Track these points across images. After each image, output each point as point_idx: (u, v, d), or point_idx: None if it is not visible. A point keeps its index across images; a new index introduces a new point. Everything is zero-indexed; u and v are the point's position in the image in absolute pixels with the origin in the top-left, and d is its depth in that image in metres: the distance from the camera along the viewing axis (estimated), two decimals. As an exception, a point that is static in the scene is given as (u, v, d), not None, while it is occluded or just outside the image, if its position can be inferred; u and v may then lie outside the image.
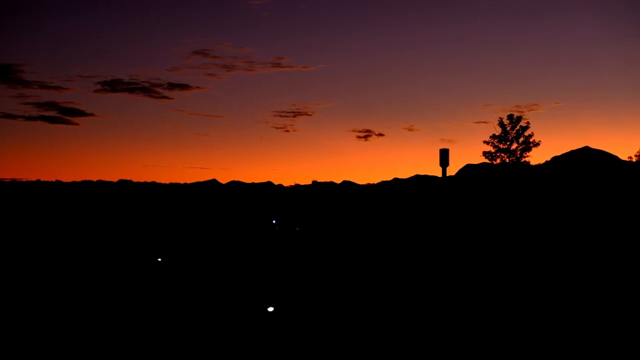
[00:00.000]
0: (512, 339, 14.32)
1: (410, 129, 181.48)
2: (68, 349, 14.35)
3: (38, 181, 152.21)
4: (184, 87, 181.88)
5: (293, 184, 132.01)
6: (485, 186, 63.31)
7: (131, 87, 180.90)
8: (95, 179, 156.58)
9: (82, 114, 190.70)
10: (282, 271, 26.17)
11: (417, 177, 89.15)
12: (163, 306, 18.99)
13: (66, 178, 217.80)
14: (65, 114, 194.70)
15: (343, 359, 13.66)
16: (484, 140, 61.33)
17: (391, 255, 31.11)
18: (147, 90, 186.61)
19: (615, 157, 70.12)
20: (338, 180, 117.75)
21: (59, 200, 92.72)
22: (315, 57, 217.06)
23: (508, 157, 60.58)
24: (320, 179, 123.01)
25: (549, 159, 71.67)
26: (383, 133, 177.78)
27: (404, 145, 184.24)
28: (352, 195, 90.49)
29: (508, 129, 60.19)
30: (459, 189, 66.18)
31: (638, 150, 75.31)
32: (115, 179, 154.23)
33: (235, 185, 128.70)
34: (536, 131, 61.64)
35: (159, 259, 29.84)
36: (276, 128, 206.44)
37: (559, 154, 70.50)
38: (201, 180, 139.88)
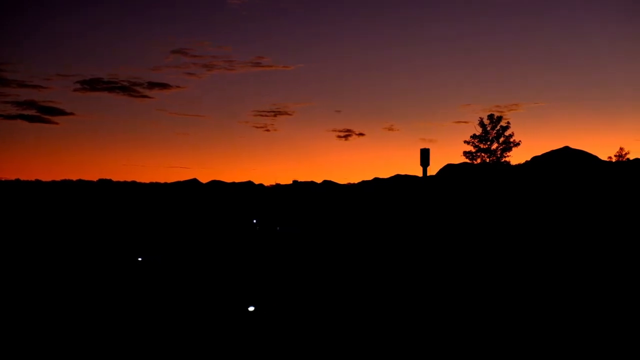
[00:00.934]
0: (494, 336, 14.13)
1: (390, 129, 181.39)
2: (47, 349, 13.98)
3: (17, 180, 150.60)
4: (164, 86, 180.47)
5: (274, 184, 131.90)
6: (466, 186, 63.40)
7: (111, 86, 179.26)
8: (75, 178, 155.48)
9: (61, 113, 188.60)
10: (263, 270, 25.93)
11: (397, 176, 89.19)
12: (143, 306, 18.63)
13: (46, 177, 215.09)
14: (44, 113, 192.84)
15: (325, 358, 13.46)
16: (464, 140, 61.51)
17: (372, 254, 30.92)
18: (127, 89, 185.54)
19: (595, 157, 70.49)
20: (319, 180, 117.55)
21: (38, 199, 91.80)
22: (296, 56, 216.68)
23: (488, 157, 60.72)
24: (300, 179, 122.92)
25: (529, 159, 71.98)
26: (363, 133, 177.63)
27: (384, 145, 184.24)
28: (333, 194, 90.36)
29: (488, 129, 60.34)
30: (440, 188, 66.21)
31: (617, 150, 75.75)
32: (95, 179, 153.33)
33: (215, 184, 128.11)
34: (516, 131, 61.74)
35: (139, 259, 29.44)
36: (256, 127, 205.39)
37: (539, 154, 70.80)
38: (182, 180, 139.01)
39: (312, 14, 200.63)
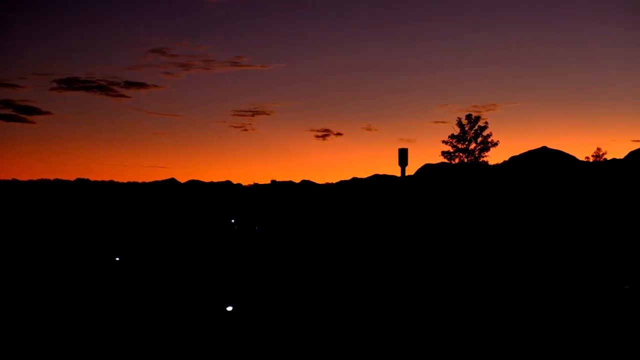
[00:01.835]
0: (477, 331, 13.85)
1: (368, 129, 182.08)
2: (22, 350, 13.73)
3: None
4: (141, 85, 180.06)
5: (252, 183, 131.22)
6: (444, 186, 63.27)
7: (88, 86, 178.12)
8: (52, 178, 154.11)
9: (38, 112, 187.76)
10: (242, 270, 25.86)
11: (376, 176, 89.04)
12: (120, 306, 18.48)
13: (23, 177, 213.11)
14: (21, 112, 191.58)
15: (302, 357, 13.29)
16: (442, 140, 61.11)
17: (350, 253, 30.71)
18: (104, 88, 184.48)
19: (573, 157, 70.68)
20: (297, 180, 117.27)
21: (15, 199, 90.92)
22: (273, 56, 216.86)
23: (466, 157, 60.47)
24: (279, 179, 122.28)
25: (507, 159, 72.04)
26: (341, 132, 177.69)
27: (362, 145, 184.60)
28: (311, 194, 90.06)
29: (466, 128, 60.05)
30: (418, 188, 66.06)
31: (595, 150, 75.96)
32: (72, 178, 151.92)
33: (194, 184, 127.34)
34: (494, 131, 61.47)
35: (117, 258, 29.33)
36: (234, 127, 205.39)
37: (517, 154, 70.87)
38: (160, 180, 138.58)
39: (290, 14, 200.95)
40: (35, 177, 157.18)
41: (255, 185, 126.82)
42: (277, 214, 65.10)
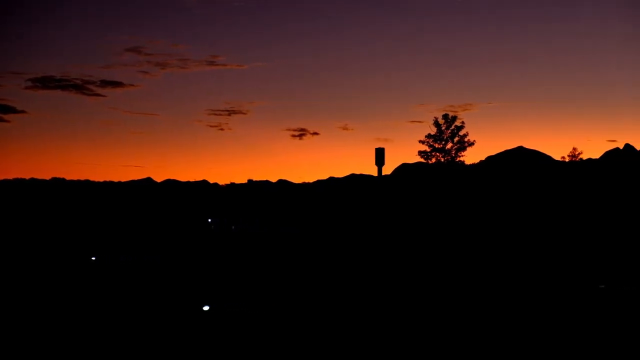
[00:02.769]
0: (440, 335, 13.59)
1: (344, 128, 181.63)
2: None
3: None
4: (117, 84, 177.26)
5: (228, 183, 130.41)
6: (421, 185, 63.26)
7: (63, 84, 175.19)
8: (27, 177, 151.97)
9: (13, 111, 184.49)
10: (218, 270, 25.73)
11: (352, 176, 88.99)
12: (97, 306, 18.26)
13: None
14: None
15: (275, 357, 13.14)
16: (419, 139, 61.03)
17: (327, 253, 30.50)
18: (80, 87, 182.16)
19: (549, 157, 70.99)
20: (274, 179, 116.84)
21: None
22: (250, 55, 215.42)
23: (443, 157, 60.47)
24: (255, 178, 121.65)
25: (483, 159, 72.24)
26: (318, 132, 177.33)
27: (339, 144, 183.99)
28: (288, 194, 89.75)
29: (443, 128, 60.05)
30: (395, 188, 65.98)
31: (571, 150, 76.34)
32: (48, 177, 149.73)
33: (170, 183, 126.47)
34: (471, 131, 61.71)
35: (93, 258, 29.07)
36: (211, 126, 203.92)
37: (494, 154, 71.08)
38: (136, 179, 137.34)
39: (266, 13, 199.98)
40: (10, 177, 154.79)
41: (232, 184, 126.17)
42: (254, 214, 64.71)
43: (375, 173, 27.85)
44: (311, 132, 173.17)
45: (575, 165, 68.32)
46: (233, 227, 49.50)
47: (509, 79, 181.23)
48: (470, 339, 14.33)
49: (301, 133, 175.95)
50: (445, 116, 60.28)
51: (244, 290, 20.80)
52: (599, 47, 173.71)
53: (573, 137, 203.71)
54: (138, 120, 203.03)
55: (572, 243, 32.52)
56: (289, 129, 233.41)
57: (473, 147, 60.52)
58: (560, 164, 69.96)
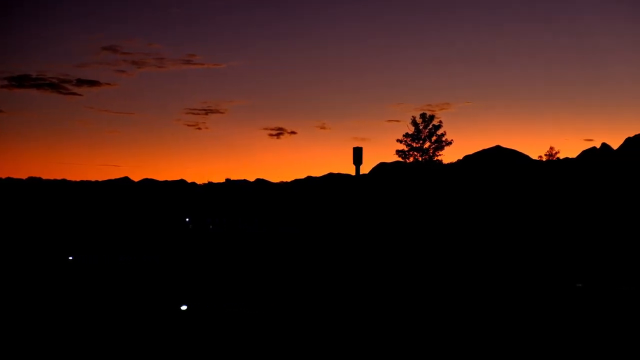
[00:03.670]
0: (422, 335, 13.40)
1: (322, 127, 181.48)
2: None
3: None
4: (93, 83, 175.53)
5: (206, 182, 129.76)
6: (399, 184, 63.20)
7: (39, 83, 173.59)
8: (4, 176, 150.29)
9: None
10: (196, 269, 25.64)
11: (330, 175, 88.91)
12: (74, 306, 18.08)
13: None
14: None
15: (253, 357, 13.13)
16: (397, 139, 60.90)
17: (305, 252, 30.42)
18: (56, 86, 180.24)
19: (526, 156, 71.34)
20: (251, 179, 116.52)
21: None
22: (227, 54, 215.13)
23: (421, 156, 60.41)
24: (233, 177, 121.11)
25: (461, 158, 72.38)
26: (295, 131, 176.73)
27: (316, 144, 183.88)
28: (266, 193, 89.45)
29: (421, 127, 59.99)
30: (373, 187, 65.88)
31: (548, 149, 76.63)
32: (24, 176, 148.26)
33: (147, 183, 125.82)
34: (448, 130, 61.63)
35: (70, 258, 28.87)
36: (188, 126, 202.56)
37: (471, 153, 71.24)
38: (113, 178, 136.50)
39: (243, 12, 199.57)
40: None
41: (210, 183, 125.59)
42: (232, 213, 64.39)
43: (353, 172, 27.72)
44: (289, 131, 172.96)
45: (553, 165, 68.61)
46: (210, 227, 49.21)
47: (486, 78, 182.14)
48: (451, 334, 14.15)
49: (279, 132, 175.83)
50: (423, 115, 60.25)
51: (222, 289, 20.73)
52: (575, 48, 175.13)
53: (550, 137, 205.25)
54: (115, 119, 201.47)
55: (549, 242, 32.53)
56: (266, 129, 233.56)
57: (451, 146, 60.58)
58: (538, 163, 70.28)
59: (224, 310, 17.47)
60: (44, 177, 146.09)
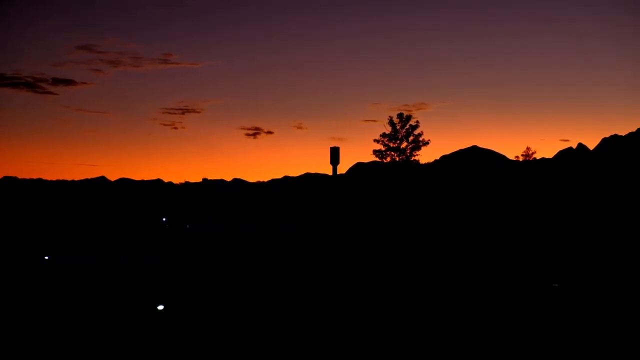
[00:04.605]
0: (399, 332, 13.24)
1: (299, 127, 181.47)
2: None
3: None
4: (69, 82, 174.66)
5: (183, 182, 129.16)
6: (376, 184, 63.10)
7: (14, 82, 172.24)
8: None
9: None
10: (172, 269, 25.74)
11: (307, 175, 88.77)
12: (49, 306, 18.08)
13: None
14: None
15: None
16: (374, 138, 60.69)
17: (281, 252, 30.51)
18: (31, 85, 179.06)
19: (503, 157, 71.57)
20: (228, 178, 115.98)
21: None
22: (203, 54, 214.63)
23: (398, 156, 60.18)
24: (210, 177, 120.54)
25: (438, 158, 72.44)
26: (272, 131, 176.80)
27: (293, 143, 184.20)
28: (243, 193, 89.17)
29: (398, 127, 59.78)
30: (350, 187, 65.79)
31: (524, 150, 76.92)
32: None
33: (124, 182, 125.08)
34: (425, 130, 61.72)
35: (46, 257, 28.97)
36: (164, 125, 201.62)
37: (448, 153, 71.34)
38: (89, 177, 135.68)
39: (220, 11, 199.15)
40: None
41: (187, 183, 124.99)
42: (209, 213, 64.11)
43: (330, 172, 27.78)
44: (265, 131, 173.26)
45: (529, 165, 68.86)
46: (187, 226, 48.98)
47: (463, 78, 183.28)
48: (432, 332, 14.01)
49: (255, 132, 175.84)
50: (400, 115, 60.03)
51: (200, 289, 20.80)
52: (552, 48, 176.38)
53: (527, 137, 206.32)
54: (91, 118, 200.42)
55: (526, 241, 32.62)
56: (243, 128, 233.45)
57: (428, 146, 60.32)
58: (514, 163, 70.51)
59: (202, 309, 17.46)
60: (20, 176, 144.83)
